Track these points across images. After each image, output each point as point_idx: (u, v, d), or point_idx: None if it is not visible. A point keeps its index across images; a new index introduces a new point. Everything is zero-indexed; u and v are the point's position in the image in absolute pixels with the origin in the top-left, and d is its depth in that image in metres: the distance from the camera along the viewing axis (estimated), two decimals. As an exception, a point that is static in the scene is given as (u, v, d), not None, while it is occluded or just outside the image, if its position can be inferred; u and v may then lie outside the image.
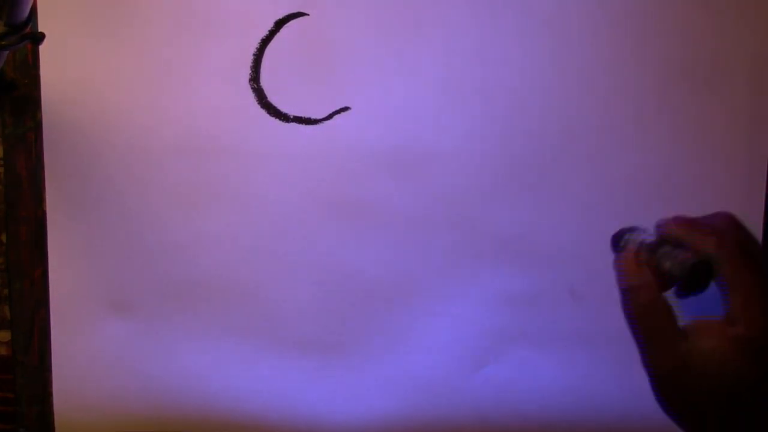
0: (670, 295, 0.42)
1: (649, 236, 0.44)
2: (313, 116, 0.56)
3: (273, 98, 0.56)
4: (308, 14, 0.55)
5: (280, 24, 0.55)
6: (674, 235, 0.43)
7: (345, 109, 0.56)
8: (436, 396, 0.57)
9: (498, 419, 0.57)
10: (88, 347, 0.57)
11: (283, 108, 0.56)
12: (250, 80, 0.56)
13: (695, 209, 0.56)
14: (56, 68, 0.55)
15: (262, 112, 0.56)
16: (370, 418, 0.58)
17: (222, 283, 0.57)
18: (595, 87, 0.55)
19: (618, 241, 0.45)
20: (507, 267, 0.57)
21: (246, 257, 0.57)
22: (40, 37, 0.49)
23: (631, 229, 0.45)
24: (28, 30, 0.47)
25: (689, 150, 0.56)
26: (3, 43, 0.46)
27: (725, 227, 0.42)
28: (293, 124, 0.56)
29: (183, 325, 0.57)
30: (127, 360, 0.57)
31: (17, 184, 0.57)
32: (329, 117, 0.56)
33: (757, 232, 0.56)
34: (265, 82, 0.56)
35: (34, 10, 0.54)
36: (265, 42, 0.55)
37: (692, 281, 0.41)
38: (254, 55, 0.55)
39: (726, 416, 0.41)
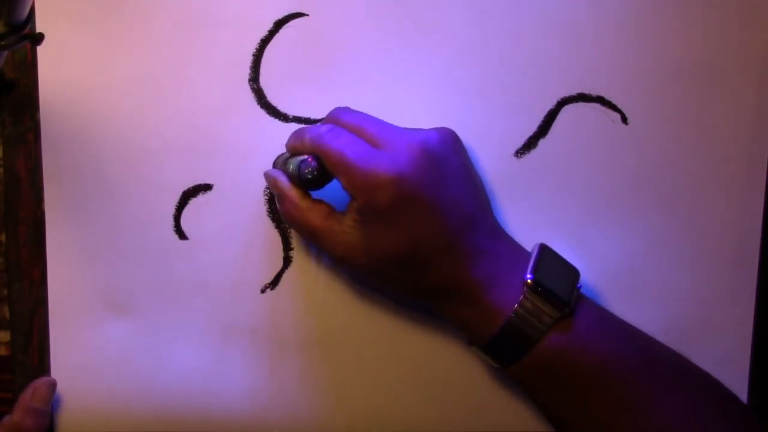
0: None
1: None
2: (313, 116, 0.56)
3: (272, 98, 0.56)
4: (308, 14, 0.55)
5: (279, 24, 0.55)
6: (292, 146, 0.53)
7: (344, 109, 0.56)
8: (436, 396, 0.57)
9: (498, 419, 0.57)
10: (87, 347, 0.57)
11: (283, 108, 0.56)
12: (250, 80, 0.56)
13: (695, 209, 0.56)
14: (55, 68, 0.55)
15: (262, 112, 0.56)
16: (371, 417, 0.58)
17: (221, 282, 0.57)
18: (594, 86, 0.55)
19: (275, 164, 0.55)
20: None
21: (245, 257, 0.57)
22: (39, 38, 0.49)
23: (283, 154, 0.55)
24: (27, 30, 0.47)
25: (689, 150, 0.56)
26: (2, 43, 0.46)
27: (319, 130, 0.51)
28: (293, 124, 0.56)
29: (183, 325, 0.57)
30: (126, 360, 0.57)
31: (16, 184, 0.57)
32: (329, 117, 0.56)
33: (757, 232, 0.56)
34: (264, 82, 0.56)
35: (33, 11, 0.54)
36: (265, 42, 0.55)
37: (308, 175, 0.50)
38: (254, 55, 0.55)
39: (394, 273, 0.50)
